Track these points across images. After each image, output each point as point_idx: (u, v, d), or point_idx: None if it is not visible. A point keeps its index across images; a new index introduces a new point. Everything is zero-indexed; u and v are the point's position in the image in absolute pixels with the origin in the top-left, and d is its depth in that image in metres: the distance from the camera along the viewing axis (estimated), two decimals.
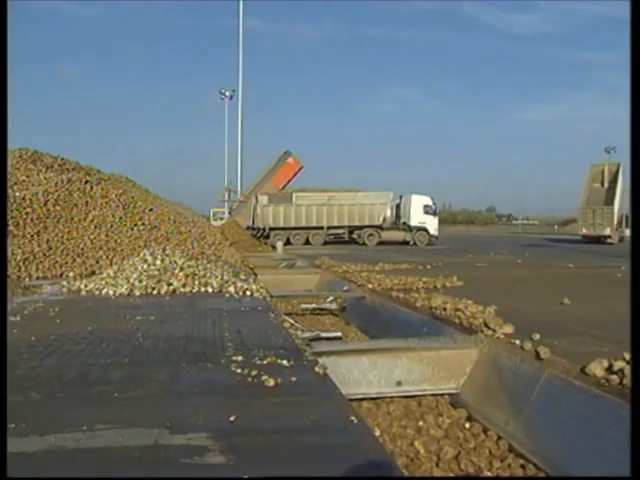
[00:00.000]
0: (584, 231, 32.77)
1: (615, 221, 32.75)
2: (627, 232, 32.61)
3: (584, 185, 34.66)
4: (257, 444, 2.40)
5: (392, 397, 4.90)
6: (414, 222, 31.34)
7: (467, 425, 4.43)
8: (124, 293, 7.21)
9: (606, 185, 34.22)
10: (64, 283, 8.00)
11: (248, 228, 29.51)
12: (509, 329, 5.06)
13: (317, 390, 3.18)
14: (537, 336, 4.74)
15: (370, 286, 9.03)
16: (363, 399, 4.82)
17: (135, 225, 11.67)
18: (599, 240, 32.07)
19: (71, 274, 9.39)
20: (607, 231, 32.32)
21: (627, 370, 3.56)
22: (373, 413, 4.67)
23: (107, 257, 10.51)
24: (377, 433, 4.14)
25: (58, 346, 4.22)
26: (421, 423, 4.45)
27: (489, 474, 3.76)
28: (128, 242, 11.06)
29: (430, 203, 32.03)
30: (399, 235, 31.44)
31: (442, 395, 4.95)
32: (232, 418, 2.64)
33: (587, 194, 34.07)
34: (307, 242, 30.09)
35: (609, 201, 33.21)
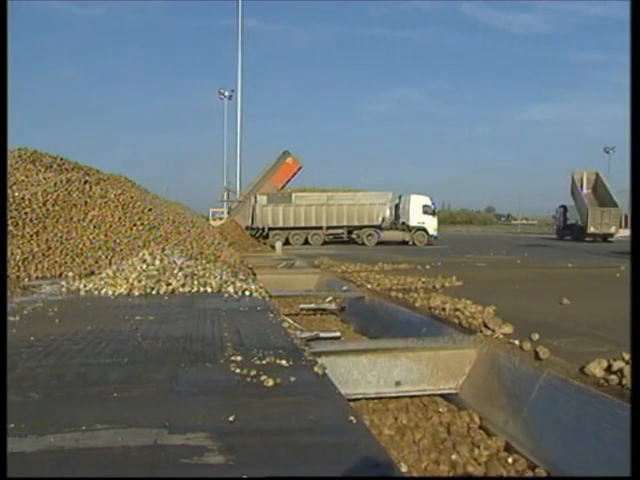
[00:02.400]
0: (592, 230, 34.78)
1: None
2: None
3: (585, 189, 36.61)
4: (256, 444, 2.40)
5: (391, 397, 4.90)
6: (413, 222, 31.38)
7: (510, 460, 3.86)
8: (123, 293, 7.20)
9: (586, 191, 36.39)
10: (63, 283, 7.99)
11: (247, 228, 29.49)
12: (508, 329, 5.06)
13: (316, 390, 3.18)
14: (536, 336, 4.75)
15: (369, 286, 9.03)
16: (363, 399, 4.82)
17: (134, 225, 11.67)
18: (588, 238, 34.88)
19: (70, 274, 9.39)
20: (612, 230, 34.70)
21: (626, 370, 3.56)
22: (396, 442, 4.21)
23: (106, 257, 10.51)
24: (404, 469, 3.70)
25: (57, 346, 4.21)
26: (454, 457, 3.93)
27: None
28: (127, 242, 11.06)
29: (429, 203, 32.08)
30: (398, 235, 31.46)
31: (441, 395, 4.95)
32: (231, 418, 2.64)
33: (587, 197, 36.14)
34: (306, 242, 30.09)
35: (601, 203, 35.27)
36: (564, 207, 41.63)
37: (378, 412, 4.68)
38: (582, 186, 37.91)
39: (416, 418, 4.60)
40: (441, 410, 4.71)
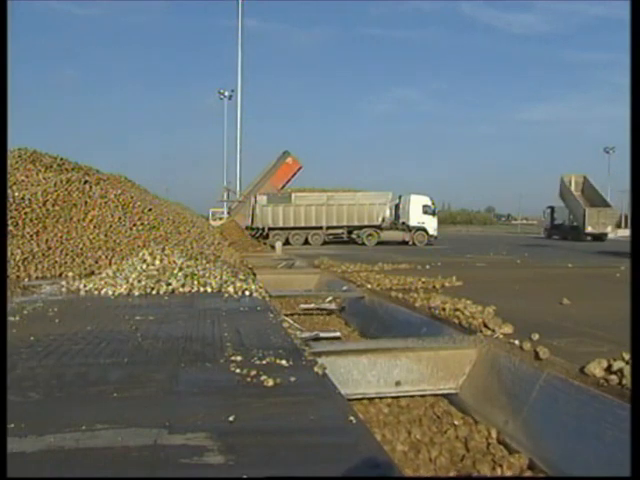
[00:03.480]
0: (589, 229, 36.55)
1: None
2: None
3: (574, 192, 38.83)
4: (256, 444, 2.40)
5: (392, 397, 4.90)
6: (413, 222, 31.40)
7: None
8: (123, 293, 7.21)
9: (575, 193, 39.84)
10: (63, 283, 8.00)
11: (247, 228, 29.50)
12: (508, 329, 5.06)
13: (316, 390, 3.18)
14: (536, 336, 4.74)
15: (369, 286, 9.03)
16: (362, 399, 4.82)
17: (134, 225, 11.67)
18: (578, 237, 36.87)
19: (70, 274, 9.39)
20: (608, 229, 37.72)
21: (626, 370, 3.56)
22: (411, 460, 3.98)
23: (106, 257, 10.51)
24: None
25: (57, 346, 4.21)
26: (475, 476, 3.73)
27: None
28: (127, 242, 11.07)
29: (429, 203, 32.11)
30: (398, 235, 31.46)
31: (441, 395, 4.95)
32: (231, 418, 2.64)
33: (580, 199, 38.13)
34: (306, 242, 30.09)
35: (592, 204, 37.19)
36: (551, 208, 44.03)
37: (390, 425, 4.45)
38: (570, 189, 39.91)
39: (430, 432, 4.35)
40: (456, 423, 4.46)
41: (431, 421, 4.59)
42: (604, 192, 42.07)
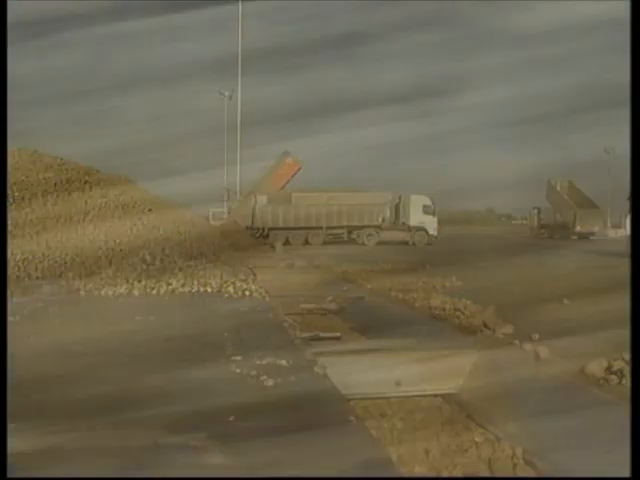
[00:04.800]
0: (579, 229, 38.29)
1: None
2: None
3: (564, 194, 40.39)
4: (257, 444, 2.40)
5: (391, 397, 4.89)
6: (413, 222, 31.32)
7: None
8: (123, 293, 7.21)
9: (565, 196, 41.85)
10: (63, 283, 7.99)
11: (247, 228, 29.44)
12: (508, 329, 5.06)
13: (316, 390, 3.18)
14: (536, 336, 4.74)
15: (369, 286, 9.02)
16: (362, 399, 4.81)
17: (134, 225, 11.67)
18: (566, 236, 38.55)
19: (70, 274, 9.38)
20: (596, 229, 39.69)
21: (626, 370, 3.56)
22: None
23: (106, 257, 10.50)
24: None
25: (57, 346, 4.21)
26: None
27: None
28: (127, 242, 11.06)
29: (429, 203, 32.04)
30: (398, 235, 31.41)
31: (441, 395, 4.94)
32: (231, 418, 2.64)
33: (570, 201, 39.80)
34: (306, 242, 30.03)
35: (579, 206, 39.52)
36: (538, 209, 45.85)
37: (406, 443, 4.07)
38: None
39: (450, 451, 4.01)
40: (477, 440, 4.11)
41: (450, 438, 4.20)
42: (604, 192, 43.67)
